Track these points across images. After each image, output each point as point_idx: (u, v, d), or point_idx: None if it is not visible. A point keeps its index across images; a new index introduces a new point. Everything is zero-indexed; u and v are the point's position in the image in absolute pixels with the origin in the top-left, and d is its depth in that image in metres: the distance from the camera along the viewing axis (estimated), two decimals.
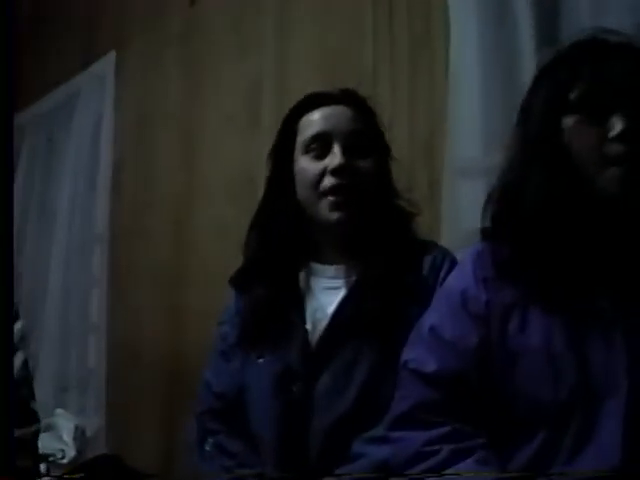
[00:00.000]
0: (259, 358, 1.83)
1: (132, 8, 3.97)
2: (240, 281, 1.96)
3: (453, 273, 1.65)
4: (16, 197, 4.61)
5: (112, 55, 3.98)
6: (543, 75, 1.54)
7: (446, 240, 2.22)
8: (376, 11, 2.72)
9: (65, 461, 3.32)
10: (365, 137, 1.86)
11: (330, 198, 1.81)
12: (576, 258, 1.41)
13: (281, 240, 1.89)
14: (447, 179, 2.35)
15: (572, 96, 1.45)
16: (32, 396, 2.06)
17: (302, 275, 1.89)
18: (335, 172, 1.80)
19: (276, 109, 2.95)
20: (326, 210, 1.82)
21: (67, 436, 3.42)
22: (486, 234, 1.56)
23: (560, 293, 1.41)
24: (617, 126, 1.40)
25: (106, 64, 4.02)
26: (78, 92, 4.23)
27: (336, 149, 1.82)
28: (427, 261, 1.81)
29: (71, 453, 3.38)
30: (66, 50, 4.49)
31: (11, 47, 1.63)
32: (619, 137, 1.40)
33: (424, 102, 2.51)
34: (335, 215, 1.81)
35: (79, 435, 3.49)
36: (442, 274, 1.78)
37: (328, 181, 1.81)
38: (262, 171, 2.91)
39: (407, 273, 1.78)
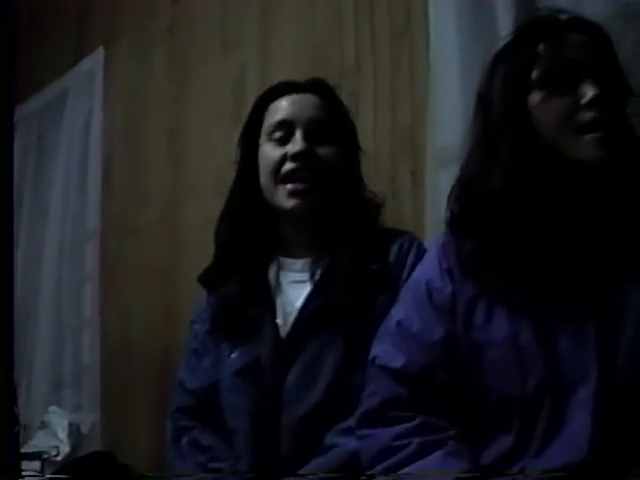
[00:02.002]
0: (230, 354, 1.84)
1: (121, 5, 3.96)
2: (209, 278, 1.99)
3: (419, 265, 1.65)
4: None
5: (100, 52, 3.98)
6: (499, 59, 1.54)
7: (430, 229, 2.23)
8: (357, 4, 2.72)
9: (59, 458, 3.32)
10: (329, 125, 1.87)
11: (288, 186, 1.82)
12: (544, 245, 1.41)
13: (248, 233, 1.90)
14: (429, 169, 2.35)
15: (534, 74, 1.45)
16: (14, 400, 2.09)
17: (271, 269, 1.90)
18: (295, 157, 1.82)
19: None
20: (284, 197, 1.83)
21: (61, 433, 3.43)
22: (450, 225, 1.56)
23: (525, 286, 1.40)
24: (588, 93, 1.40)
25: (95, 61, 4.02)
26: (68, 89, 4.23)
27: (298, 135, 1.84)
28: (394, 249, 1.82)
29: (65, 450, 3.38)
30: (56, 47, 4.49)
31: (12, 47, 1.63)
32: (591, 103, 1.40)
33: (405, 93, 2.52)
34: (292, 202, 1.82)
35: (74, 432, 3.50)
36: (409, 261, 1.79)
37: (287, 166, 1.82)
38: None
39: (373, 262, 1.78)
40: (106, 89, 3.91)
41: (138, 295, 3.52)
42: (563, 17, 1.50)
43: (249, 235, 1.90)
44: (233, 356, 1.84)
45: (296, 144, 1.83)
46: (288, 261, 1.89)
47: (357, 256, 1.78)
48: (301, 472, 1.67)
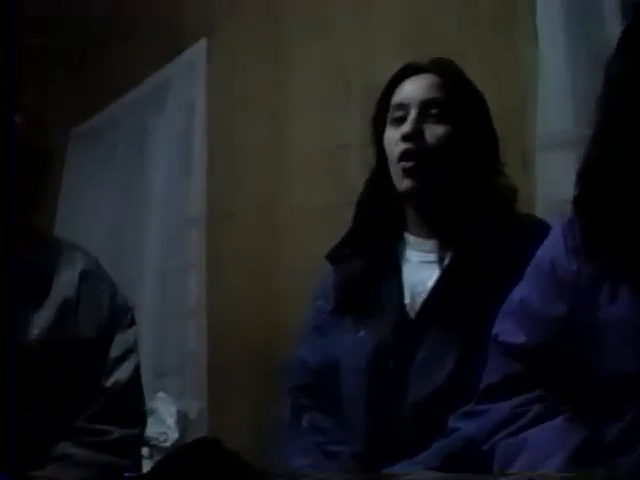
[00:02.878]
0: (355, 333, 1.85)
1: None
2: (337, 255, 1.98)
3: (543, 244, 1.61)
4: (114, 184, 4.70)
5: (203, 42, 4.00)
6: (626, 38, 1.47)
7: (540, 213, 2.20)
8: None
9: (167, 444, 3.36)
10: (448, 105, 1.86)
11: (401, 165, 1.82)
12: None
13: (376, 212, 1.93)
14: (539, 152, 2.33)
15: None
16: (142, 400, 2.11)
17: (400, 248, 1.91)
18: (405, 138, 1.82)
19: (362, 88, 2.95)
20: (399, 178, 1.84)
21: (169, 419, 3.46)
22: (576, 204, 1.53)
23: None
24: None
25: (197, 51, 4.04)
26: (170, 80, 4.27)
27: (411, 116, 1.83)
28: (526, 236, 1.76)
29: (174, 436, 3.43)
30: (156, 38, 4.55)
31: (12, 48, 1.62)
32: None
33: (513, 75, 2.48)
34: (406, 182, 1.82)
35: (182, 418, 3.54)
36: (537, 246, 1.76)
37: (400, 147, 1.83)
38: (350, 151, 2.93)
39: (506, 250, 1.75)
40: (208, 78, 3.93)
41: (241, 281, 3.54)
42: None
43: (378, 215, 1.92)
44: (357, 335, 1.84)
45: (407, 125, 1.83)
46: (416, 240, 1.90)
47: (489, 242, 1.77)
48: (421, 456, 1.66)
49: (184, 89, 4.15)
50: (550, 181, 2.28)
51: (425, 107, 1.84)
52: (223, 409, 3.55)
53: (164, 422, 3.46)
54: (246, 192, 3.58)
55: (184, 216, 3.95)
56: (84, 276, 2.07)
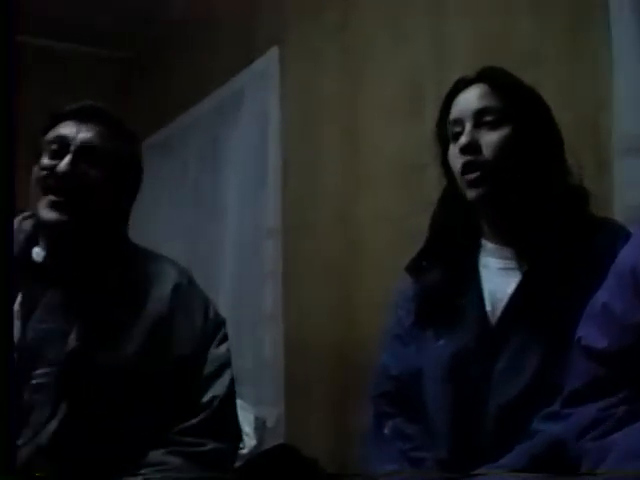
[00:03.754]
0: (436, 342, 1.89)
1: (290, 2, 4.02)
2: (416, 267, 2.02)
3: (624, 248, 1.62)
4: (186, 195, 4.75)
5: (275, 51, 4.03)
6: None
7: (618, 218, 2.18)
8: None
9: (245, 451, 3.39)
10: (501, 111, 1.87)
11: (466, 177, 1.85)
12: None
13: (451, 223, 1.97)
14: (616, 157, 2.32)
15: None
16: (236, 414, 2.13)
17: (477, 256, 1.94)
18: (463, 150, 1.85)
19: (437, 97, 2.94)
20: (466, 189, 1.87)
21: (248, 427, 3.49)
22: None
23: None
24: None
25: (269, 60, 4.07)
26: (242, 90, 4.31)
27: (466, 129, 1.87)
28: (604, 240, 1.79)
29: (252, 443, 3.45)
30: (226, 48, 4.59)
31: (11, 50, 1.64)
32: None
33: (588, 81, 2.46)
34: (473, 192, 1.85)
35: (259, 425, 3.56)
36: (617, 250, 1.75)
37: (460, 160, 1.86)
38: (426, 158, 2.92)
39: (584, 254, 1.77)
40: (282, 87, 3.95)
41: (317, 291, 3.56)
42: None
43: (454, 226, 1.97)
44: (439, 344, 1.88)
45: (463, 138, 1.86)
46: (495, 247, 1.92)
47: (566, 246, 1.78)
48: (506, 458, 1.68)
49: (257, 99, 4.18)
50: (628, 186, 2.26)
51: (478, 117, 1.87)
52: (300, 416, 3.57)
53: (242, 429, 3.49)
54: (322, 202, 3.60)
55: (260, 226, 3.99)
56: (177, 290, 2.07)
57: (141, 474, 1.89)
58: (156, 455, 1.93)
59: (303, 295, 3.65)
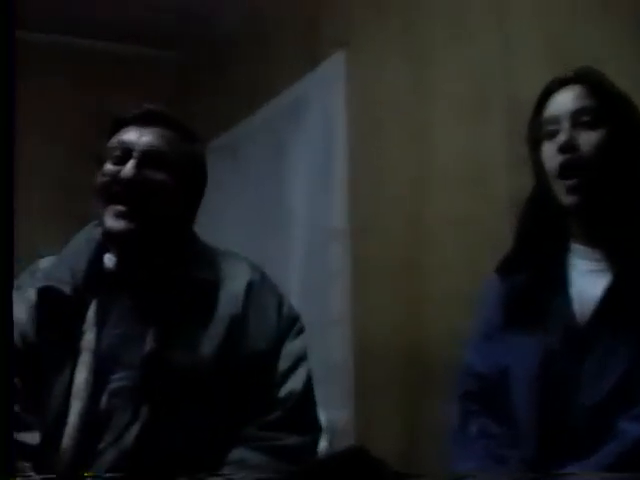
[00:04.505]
0: (525, 340, 1.90)
1: (353, 6, 4.02)
2: (506, 268, 2.03)
3: None
4: (250, 198, 4.77)
5: (339, 55, 4.02)
6: None
7: None
8: None
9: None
10: (596, 112, 1.89)
11: (565, 182, 1.86)
12: None
13: (540, 226, 1.98)
14: None
15: None
16: (315, 408, 2.12)
17: (565, 257, 1.95)
18: (562, 149, 1.86)
19: (505, 95, 2.94)
20: (564, 193, 1.88)
21: None
22: None
23: None
24: None
25: (334, 64, 4.07)
26: (307, 93, 4.32)
27: (564, 127, 1.88)
28: None
29: (322, 444, 3.45)
30: (291, 52, 4.61)
31: (12, 49, 1.65)
32: None
33: None
34: (571, 199, 1.87)
35: (329, 427, 3.56)
36: None
37: (558, 159, 1.87)
38: (495, 159, 2.92)
39: None
40: (347, 91, 3.95)
41: (386, 292, 3.56)
42: None
43: (543, 228, 1.98)
44: (527, 343, 1.89)
45: (562, 135, 1.88)
46: (585, 249, 1.93)
47: None
48: (593, 458, 1.70)
49: (322, 102, 4.17)
50: None
51: (576, 116, 1.88)
52: (369, 417, 3.57)
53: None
54: (390, 204, 3.60)
55: (326, 229, 3.99)
56: (250, 287, 2.07)
57: (223, 473, 1.91)
58: (237, 452, 1.95)
59: (371, 297, 3.65)
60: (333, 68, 4.07)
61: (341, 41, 4.03)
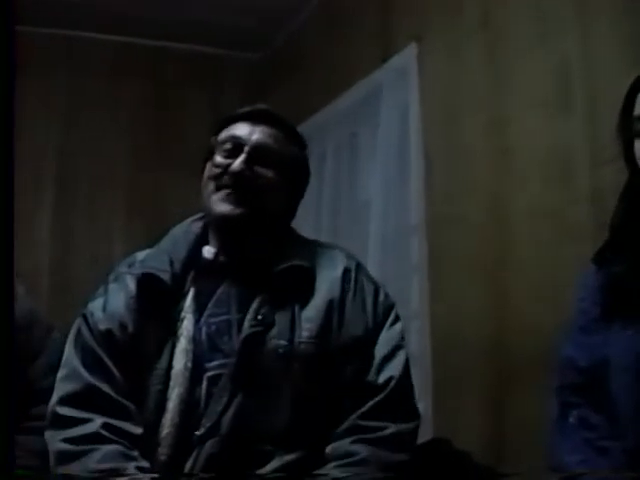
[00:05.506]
0: (625, 331, 1.88)
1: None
2: (602, 258, 2.01)
3: None
4: (325, 191, 4.79)
5: (413, 47, 4.02)
6: None
7: None
8: None
9: None
10: None
11: None
12: None
13: (635, 214, 1.95)
14: None
15: None
16: (413, 395, 2.16)
17: None
18: None
19: (586, 90, 2.92)
20: None
21: None
22: None
23: None
24: None
25: (408, 56, 4.07)
26: (381, 86, 4.31)
27: None
28: None
29: None
30: (364, 45, 4.62)
31: (12, 49, 1.68)
32: None
33: None
34: None
35: None
36: None
37: None
38: (576, 154, 2.91)
39: None
40: (421, 83, 3.95)
41: (465, 286, 3.56)
42: None
43: (638, 217, 1.95)
44: (627, 334, 1.87)
45: None
46: None
47: None
48: None
49: (395, 95, 4.17)
50: None
51: None
52: (448, 410, 3.58)
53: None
54: (468, 196, 3.59)
55: (403, 222, 4.00)
56: (346, 275, 2.11)
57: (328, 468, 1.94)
58: (342, 445, 1.97)
59: (450, 290, 3.65)
60: (406, 61, 4.08)
61: (414, 34, 4.03)
